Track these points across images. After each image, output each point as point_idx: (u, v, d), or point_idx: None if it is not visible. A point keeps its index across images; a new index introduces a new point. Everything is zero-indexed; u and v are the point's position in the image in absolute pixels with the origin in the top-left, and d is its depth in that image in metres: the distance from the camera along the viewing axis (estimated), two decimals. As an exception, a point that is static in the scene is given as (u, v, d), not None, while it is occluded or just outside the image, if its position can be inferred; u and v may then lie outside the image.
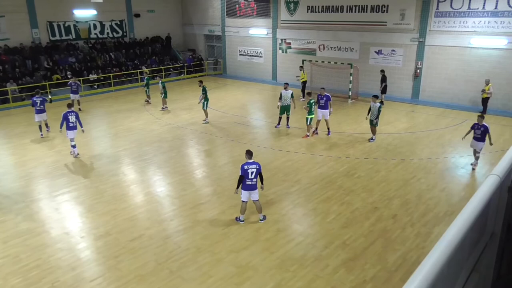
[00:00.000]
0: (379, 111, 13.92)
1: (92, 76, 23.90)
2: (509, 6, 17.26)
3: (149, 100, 20.78)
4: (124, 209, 9.66)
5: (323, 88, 15.49)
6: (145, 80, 20.78)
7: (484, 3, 17.83)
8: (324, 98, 14.74)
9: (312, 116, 14.57)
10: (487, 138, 11.45)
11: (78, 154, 13.19)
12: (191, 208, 9.64)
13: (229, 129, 16.10)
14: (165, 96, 19.11)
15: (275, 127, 16.11)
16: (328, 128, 15.10)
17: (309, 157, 13.00)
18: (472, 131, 11.67)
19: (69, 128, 12.91)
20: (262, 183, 8.81)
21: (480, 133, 11.44)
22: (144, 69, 24.85)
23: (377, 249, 7.92)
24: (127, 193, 10.67)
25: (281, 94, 15.64)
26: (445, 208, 9.58)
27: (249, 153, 8.72)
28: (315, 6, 23.38)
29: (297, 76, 21.77)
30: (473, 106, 18.60)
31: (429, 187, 10.75)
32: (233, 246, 8.05)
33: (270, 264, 7.46)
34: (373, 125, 14.19)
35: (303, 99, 20.51)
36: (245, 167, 8.47)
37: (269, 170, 11.84)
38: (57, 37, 24.86)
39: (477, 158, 11.82)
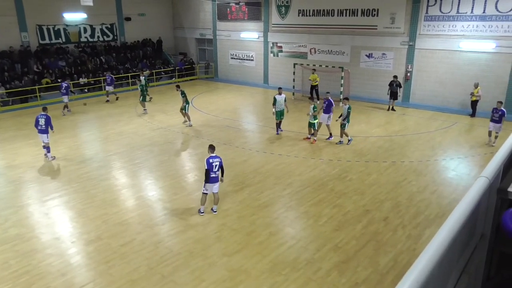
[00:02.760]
0: (348, 112, 14.01)
1: (82, 80, 23.73)
2: (497, 10, 17.51)
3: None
4: (115, 213, 9.58)
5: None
6: (143, 80, 20.70)
7: (473, 7, 18.07)
8: (326, 103, 14.76)
9: (317, 120, 14.57)
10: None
11: (47, 156, 13.17)
12: (183, 212, 9.60)
13: (221, 133, 16.07)
14: (143, 100, 19.38)
15: (276, 134, 15.67)
16: (330, 133, 14.96)
17: (301, 160, 13.03)
18: (492, 114, 13.91)
19: (39, 131, 12.92)
20: (222, 176, 9.24)
21: (498, 116, 13.75)
22: (147, 71, 24.91)
23: (368, 251, 7.96)
24: (118, 197, 10.60)
25: (275, 99, 15.24)
26: (436, 210, 9.66)
27: (211, 148, 9.25)
28: (306, 10, 23.50)
29: (310, 80, 21.91)
30: (463, 109, 18.80)
31: (420, 189, 10.83)
32: (225, 250, 8.03)
33: (263, 268, 7.45)
34: (342, 127, 14.24)
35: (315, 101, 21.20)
36: (210, 160, 8.90)
37: (261, 173, 11.85)
38: (47, 41, 24.63)
39: (495, 137, 13.84)
